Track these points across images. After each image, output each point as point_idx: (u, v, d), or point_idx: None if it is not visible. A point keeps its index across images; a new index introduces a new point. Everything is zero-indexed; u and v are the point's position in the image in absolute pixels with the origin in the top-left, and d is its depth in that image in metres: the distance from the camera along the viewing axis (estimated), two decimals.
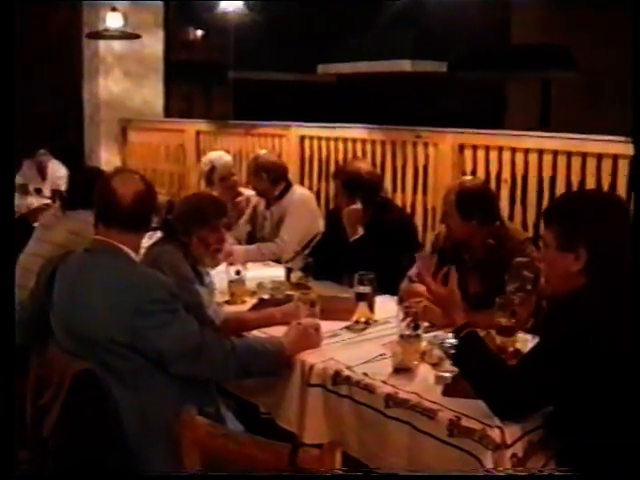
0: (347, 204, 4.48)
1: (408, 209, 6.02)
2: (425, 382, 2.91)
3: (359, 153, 6.46)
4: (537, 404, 2.54)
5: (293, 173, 6.50)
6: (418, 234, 5.19)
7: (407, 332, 3.04)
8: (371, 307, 3.60)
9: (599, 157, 4.95)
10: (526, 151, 5.32)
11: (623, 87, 9.24)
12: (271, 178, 5.24)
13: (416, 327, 3.05)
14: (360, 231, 4.43)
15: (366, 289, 3.57)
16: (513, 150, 5.40)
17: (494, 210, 3.89)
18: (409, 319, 3.09)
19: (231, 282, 4.03)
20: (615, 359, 2.39)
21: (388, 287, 3.84)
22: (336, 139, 6.74)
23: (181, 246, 3.45)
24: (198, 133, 8.32)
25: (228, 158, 5.85)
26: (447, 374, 2.89)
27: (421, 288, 3.64)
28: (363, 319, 3.57)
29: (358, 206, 4.44)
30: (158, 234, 3.67)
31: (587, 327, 2.39)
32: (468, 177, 4.59)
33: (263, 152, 5.64)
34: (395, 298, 3.76)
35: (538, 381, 2.46)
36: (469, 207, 3.73)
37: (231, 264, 4.10)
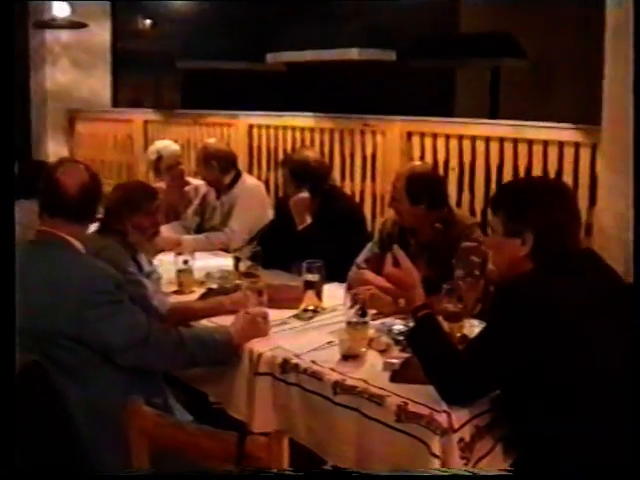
0: (295, 193, 4.48)
1: (357, 197, 6.03)
2: (373, 369, 2.92)
3: (308, 142, 6.45)
4: (484, 389, 2.56)
5: (242, 162, 6.48)
6: (367, 222, 5.20)
7: (354, 319, 3.05)
8: (319, 295, 3.61)
9: (545, 144, 5.00)
10: (473, 138, 5.36)
11: (572, 75, 9.35)
12: (221, 167, 5.22)
13: (363, 314, 3.06)
14: (308, 219, 4.43)
15: (314, 277, 3.59)
16: (460, 137, 5.43)
17: (443, 195, 3.92)
18: (357, 306, 3.10)
19: (179, 272, 4.01)
20: (561, 344, 2.41)
21: (336, 275, 3.85)
22: (284, 128, 6.73)
23: (118, 237, 3.41)
24: (146, 123, 8.25)
25: (175, 147, 5.81)
26: (395, 360, 2.91)
27: (369, 275, 3.66)
28: (311, 307, 3.58)
29: (306, 194, 4.44)
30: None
31: (533, 311, 2.41)
32: (417, 162, 4.59)
33: (212, 141, 5.61)
34: (343, 286, 3.77)
35: (484, 366, 2.48)
36: (418, 191, 3.75)
37: (179, 254, 4.08)
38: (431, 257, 3.75)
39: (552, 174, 4.94)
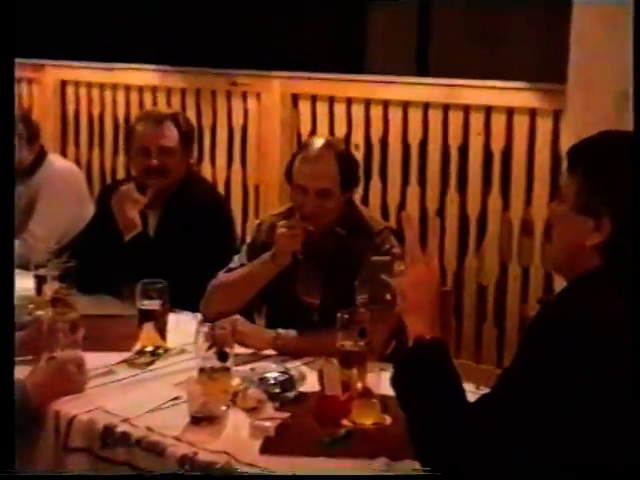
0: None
1: (221, 187, 6.02)
2: (237, 435, 2.93)
3: (149, 107, 6.41)
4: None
5: (49, 136, 6.41)
6: (235, 222, 5.18)
7: (211, 364, 3.05)
8: (161, 330, 3.61)
9: (488, 111, 5.08)
10: (386, 104, 5.43)
11: (529, 20, 9.54)
12: (16, 142, 5.13)
13: (223, 356, 3.06)
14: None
15: (154, 304, 3.58)
16: (367, 103, 5.50)
17: None
18: (215, 346, 3.10)
19: None
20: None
21: (187, 301, 3.88)
22: (114, 86, 6.68)
23: None
24: None
25: None
26: (268, 423, 2.92)
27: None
28: (150, 348, 3.58)
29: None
30: None
31: (581, 326, 2.27)
32: (320, 137, 4.45)
33: None
34: (197, 316, 3.78)
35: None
36: (351, 174, 3.83)
37: None
38: (328, 276, 3.79)
39: (496, 154, 5.03)
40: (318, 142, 3.84)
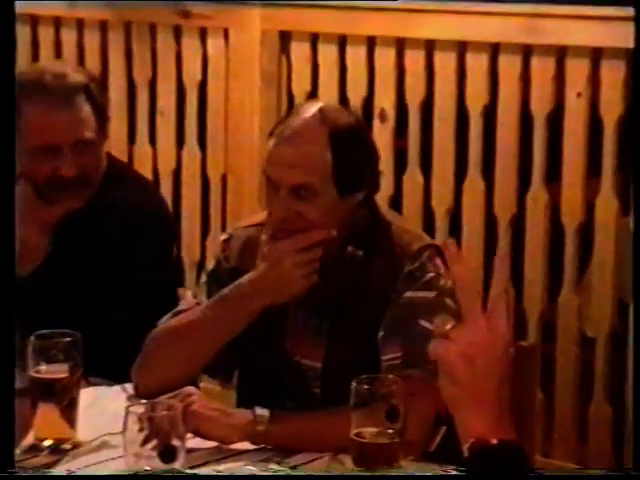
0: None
1: (166, 181, 6.00)
2: None
3: (46, 53, 6.41)
4: None
5: None
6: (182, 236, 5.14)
7: (149, 466, 2.96)
8: (69, 412, 3.55)
9: (596, 55, 5.03)
10: (429, 46, 5.42)
11: None
12: None
13: (169, 454, 2.98)
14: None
15: (57, 370, 3.53)
16: (399, 43, 5.50)
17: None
18: (155, 437, 3.00)
19: None
20: None
21: (110, 364, 3.88)
22: None
23: None
24: None
25: None
26: None
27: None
28: (49, 441, 3.53)
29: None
30: None
31: None
32: (314, 103, 4.39)
33: None
34: (127, 388, 3.80)
35: None
36: (354, 166, 3.74)
37: None
38: (335, 324, 3.78)
39: (608, 124, 4.94)
40: (306, 110, 3.80)
